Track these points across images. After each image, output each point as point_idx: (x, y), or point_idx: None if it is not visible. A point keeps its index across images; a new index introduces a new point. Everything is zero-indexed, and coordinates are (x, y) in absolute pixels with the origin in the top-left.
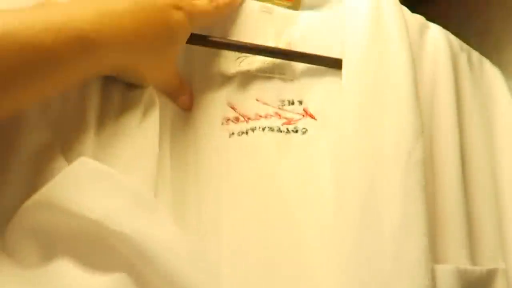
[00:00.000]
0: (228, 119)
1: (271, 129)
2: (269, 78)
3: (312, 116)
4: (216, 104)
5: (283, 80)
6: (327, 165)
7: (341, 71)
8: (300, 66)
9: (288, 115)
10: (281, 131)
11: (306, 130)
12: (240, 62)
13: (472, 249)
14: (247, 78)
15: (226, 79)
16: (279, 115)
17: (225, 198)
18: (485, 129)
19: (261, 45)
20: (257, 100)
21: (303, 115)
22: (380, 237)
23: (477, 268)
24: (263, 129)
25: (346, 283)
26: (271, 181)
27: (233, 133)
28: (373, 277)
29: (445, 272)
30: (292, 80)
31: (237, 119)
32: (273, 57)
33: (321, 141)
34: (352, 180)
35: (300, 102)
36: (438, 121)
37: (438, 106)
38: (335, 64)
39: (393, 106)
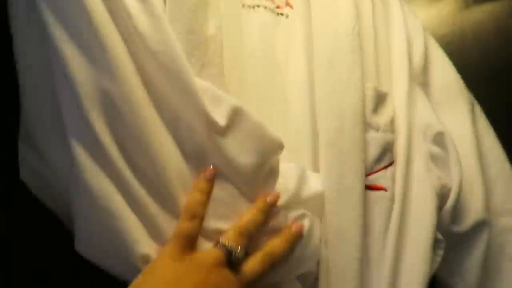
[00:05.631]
0: None
1: (270, 9)
2: None
3: (290, 6)
4: None
5: None
6: (301, 39)
7: None
8: None
9: (278, 2)
10: (273, 13)
11: (288, 15)
12: None
13: None
14: None
15: None
16: (272, 1)
17: (239, 54)
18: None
19: None
20: None
21: (286, 4)
22: (339, 77)
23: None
24: (265, 8)
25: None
26: (270, 47)
27: (243, 5)
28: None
29: None
30: None
31: None
32: None
33: (297, 23)
34: (319, 49)
35: None
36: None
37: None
38: None
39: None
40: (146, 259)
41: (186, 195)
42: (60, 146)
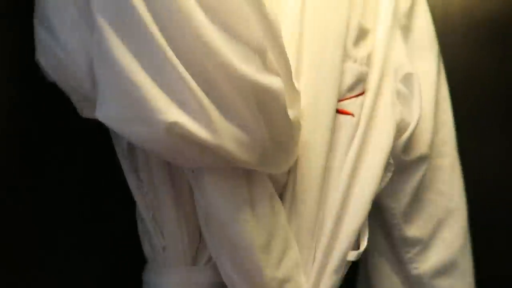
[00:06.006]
0: None
1: None
2: None
3: None
4: None
5: None
6: None
7: None
8: None
9: None
10: None
11: None
12: None
13: None
14: None
15: None
16: None
17: None
18: None
19: None
20: None
21: None
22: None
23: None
24: None
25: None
26: None
27: None
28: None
29: None
30: None
31: None
32: None
33: None
34: None
35: None
36: None
37: None
38: None
39: None
40: (173, 127)
41: None
42: (74, 27)
